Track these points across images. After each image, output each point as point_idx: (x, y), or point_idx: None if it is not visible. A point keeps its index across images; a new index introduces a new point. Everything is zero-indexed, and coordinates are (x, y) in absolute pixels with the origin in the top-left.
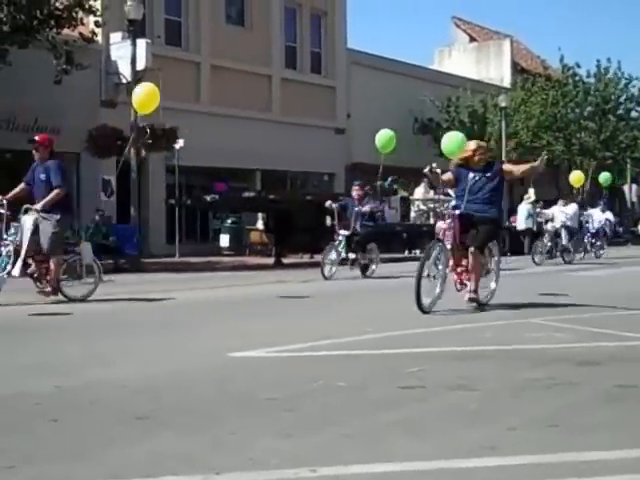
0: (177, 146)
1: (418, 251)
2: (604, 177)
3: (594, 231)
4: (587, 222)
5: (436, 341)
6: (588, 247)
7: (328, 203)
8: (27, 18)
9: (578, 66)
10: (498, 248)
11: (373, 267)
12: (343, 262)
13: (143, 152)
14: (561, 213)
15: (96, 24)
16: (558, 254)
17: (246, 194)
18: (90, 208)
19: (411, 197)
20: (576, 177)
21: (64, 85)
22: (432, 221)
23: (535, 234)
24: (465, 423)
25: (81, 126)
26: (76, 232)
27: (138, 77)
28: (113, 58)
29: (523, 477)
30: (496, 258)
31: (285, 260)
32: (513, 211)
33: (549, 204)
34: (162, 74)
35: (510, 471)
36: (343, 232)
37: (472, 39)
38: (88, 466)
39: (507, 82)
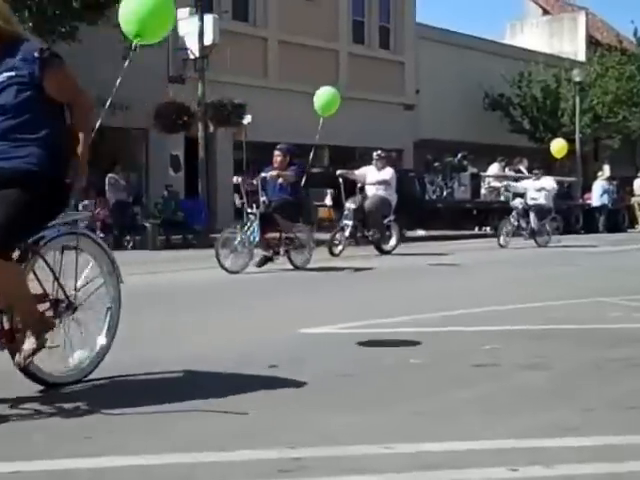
0: (245, 122)
1: (489, 228)
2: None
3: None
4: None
5: (509, 319)
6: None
7: (235, 178)
8: None
9: None
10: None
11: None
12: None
13: (211, 128)
14: (533, 189)
15: None
16: (527, 235)
17: (314, 170)
18: (159, 184)
19: (482, 174)
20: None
21: (133, 61)
22: (502, 198)
23: (611, 211)
24: (540, 403)
25: (149, 102)
26: (145, 208)
27: (206, 53)
28: (181, 34)
29: (601, 459)
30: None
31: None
32: (587, 188)
33: (628, 181)
34: (229, 49)
35: (587, 452)
36: (251, 210)
37: (545, 12)
38: (159, 438)
39: (582, 56)
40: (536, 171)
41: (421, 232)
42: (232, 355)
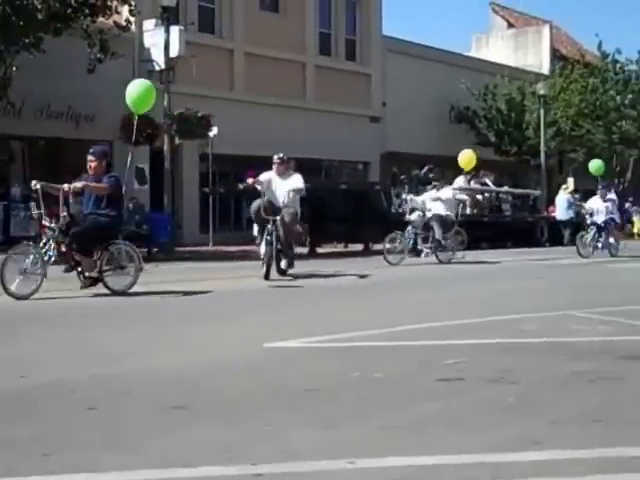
0: (211, 134)
1: None
2: (595, 165)
3: (601, 224)
4: (591, 214)
5: (476, 333)
6: (598, 244)
7: (33, 183)
8: (62, 6)
9: (619, 52)
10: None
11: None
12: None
13: (176, 140)
14: (431, 200)
15: (131, 13)
16: (429, 251)
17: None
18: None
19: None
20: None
21: (97, 72)
22: (468, 211)
23: (576, 225)
24: (506, 416)
25: (114, 114)
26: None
27: (172, 64)
28: (146, 45)
29: (566, 472)
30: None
31: (320, 249)
32: (551, 201)
33: (590, 194)
34: (195, 61)
35: (553, 466)
36: (50, 224)
37: (510, 25)
38: (125, 455)
39: (546, 69)
40: (435, 182)
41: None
42: (196, 369)
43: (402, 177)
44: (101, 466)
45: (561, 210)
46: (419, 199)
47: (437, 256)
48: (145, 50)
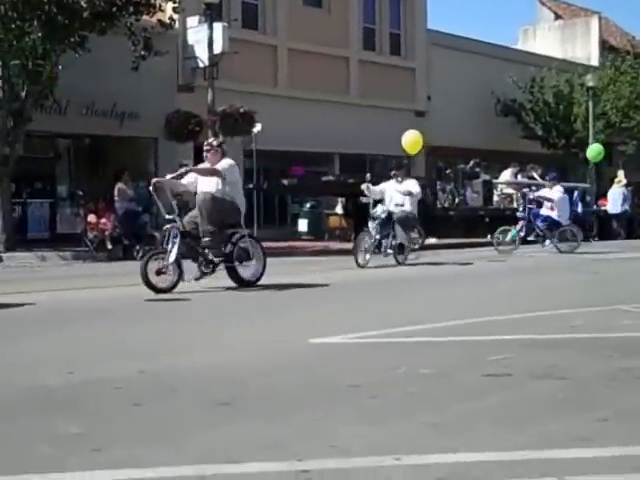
0: (255, 130)
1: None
2: (593, 150)
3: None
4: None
5: (522, 328)
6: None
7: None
8: (106, 5)
9: None
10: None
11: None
12: None
13: (220, 136)
14: (396, 193)
15: (174, 10)
16: (390, 250)
17: (325, 178)
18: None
19: (494, 180)
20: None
21: (141, 70)
22: (515, 205)
23: (630, 219)
24: (553, 413)
25: (159, 111)
26: (155, 217)
27: (215, 61)
28: (190, 42)
29: (615, 470)
30: None
31: None
32: (602, 195)
33: None
34: (239, 58)
35: (602, 463)
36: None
37: (558, 17)
38: (172, 450)
39: (595, 61)
40: (396, 172)
41: (433, 240)
42: (242, 365)
43: (447, 171)
44: (148, 461)
45: (615, 204)
46: (378, 189)
47: (396, 258)
48: (189, 47)
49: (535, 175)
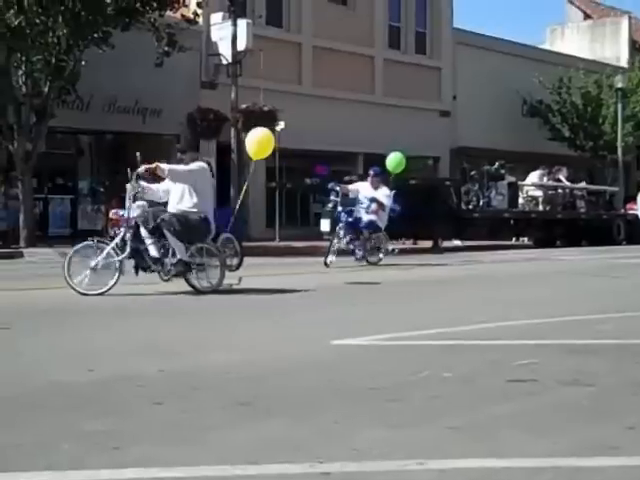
0: (278, 128)
1: (526, 239)
2: (393, 161)
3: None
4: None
5: (548, 333)
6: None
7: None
8: (130, 0)
9: None
10: None
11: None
12: None
13: (243, 134)
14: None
15: (198, 5)
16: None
17: (348, 178)
18: None
19: (520, 182)
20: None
21: (165, 67)
22: (541, 208)
23: None
24: (580, 420)
25: (181, 108)
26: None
27: (239, 58)
28: (214, 39)
29: None
30: None
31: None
32: (630, 198)
33: None
34: (263, 55)
35: (631, 472)
36: None
37: (587, 16)
38: (193, 449)
39: (624, 62)
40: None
41: (457, 242)
42: (263, 365)
43: (473, 172)
44: (168, 460)
45: None
46: (352, 187)
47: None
48: (212, 44)
49: (562, 177)
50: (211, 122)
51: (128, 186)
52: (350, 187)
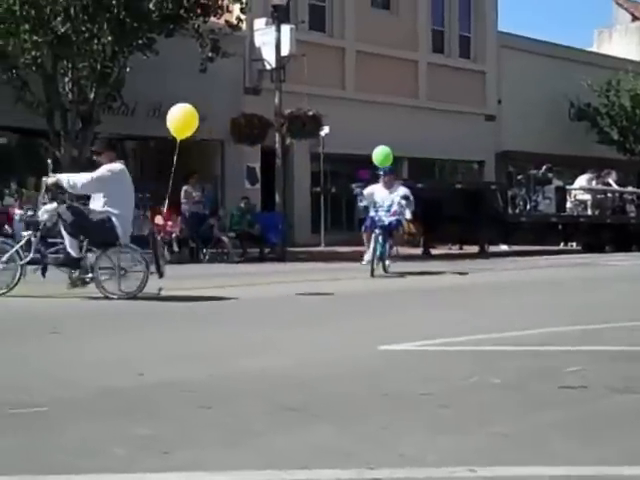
0: (322, 133)
1: (574, 244)
2: (380, 154)
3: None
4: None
5: (599, 339)
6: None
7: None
8: (174, 7)
9: None
10: None
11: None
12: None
13: (288, 139)
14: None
15: (242, 10)
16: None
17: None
18: (235, 196)
19: (568, 186)
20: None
21: (209, 73)
22: (590, 212)
23: None
24: (632, 428)
25: (226, 113)
26: (221, 220)
27: (283, 63)
28: (257, 45)
29: None
30: None
31: (434, 251)
32: None
33: None
34: (306, 60)
35: None
36: None
37: (635, 18)
38: (242, 454)
39: None
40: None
41: (504, 247)
42: (311, 371)
43: (519, 177)
44: (217, 465)
45: None
46: (366, 192)
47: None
48: (256, 49)
49: (611, 181)
50: (255, 128)
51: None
52: (365, 192)
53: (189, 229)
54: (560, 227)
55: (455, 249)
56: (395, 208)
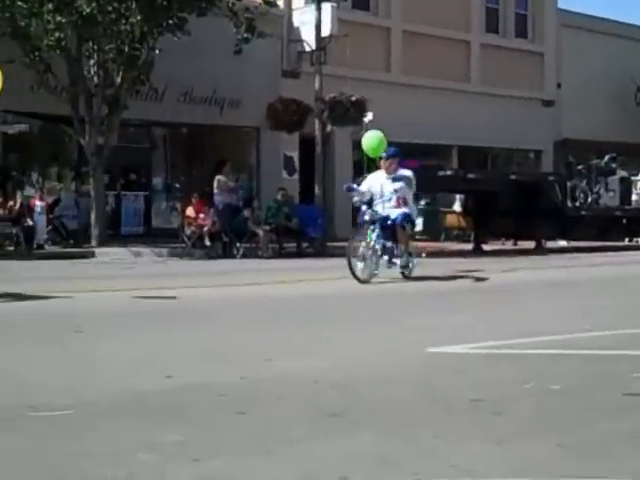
0: (366, 119)
1: None
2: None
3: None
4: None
5: None
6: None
7: None
8: None
9: None
10: None
11: None
12: None
13: (329, 126)
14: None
15: None
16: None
17: (442, 173)
18: (271, 187)
19: (633, 177)
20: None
21: (244, 54)
22: None
23: None
24: None
25: (261, 98)
26: (255, 213)
27: (323, 45)
28: (296, 24)
29: None
30: None
31: (485, 247)
32: None
33: None
34: (349, 41)
35: None
36: None
37: None
38: (276, 462)
39: None
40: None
41: (563, 243)
42: (357, 373)
43: (579, 167)
44: (252, 474)
45: None
46: (362, 188)
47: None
48: (294, 29)
49: None
50: (294, 113)
51: None
52: (361, 189)
53: (222, 222)
54: (624, 221)
55: (509, 245)
56: (399, 195)
